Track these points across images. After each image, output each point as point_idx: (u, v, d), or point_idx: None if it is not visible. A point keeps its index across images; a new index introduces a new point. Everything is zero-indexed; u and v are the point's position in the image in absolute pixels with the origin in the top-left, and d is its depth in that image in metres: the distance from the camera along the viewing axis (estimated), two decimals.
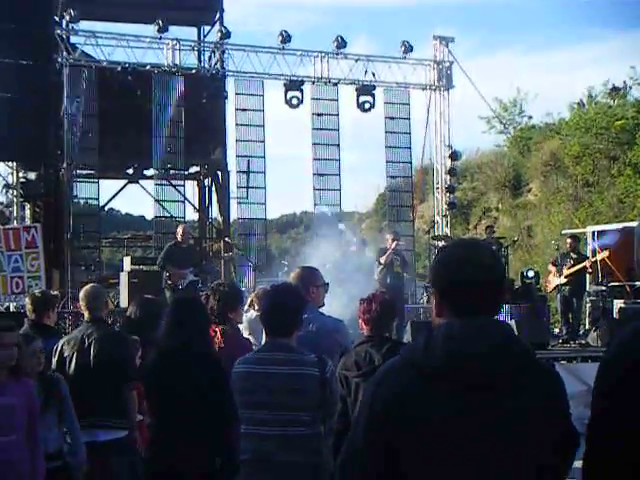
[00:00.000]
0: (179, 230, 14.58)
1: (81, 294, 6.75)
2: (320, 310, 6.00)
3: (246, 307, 8.44)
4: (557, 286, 14.81)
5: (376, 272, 14.35)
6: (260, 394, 4.66)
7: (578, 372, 11.27)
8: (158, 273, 14.36)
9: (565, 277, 14.77)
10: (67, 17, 17.41)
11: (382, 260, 14.38)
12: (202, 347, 5.41)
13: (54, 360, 6.33)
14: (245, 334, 7.69)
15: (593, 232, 17.53)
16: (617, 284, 16.00)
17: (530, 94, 31.36)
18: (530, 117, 31.55)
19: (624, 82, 27.39)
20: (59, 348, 6.38)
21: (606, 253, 15.27)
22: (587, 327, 15.63)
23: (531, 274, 16.14)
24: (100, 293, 6.81)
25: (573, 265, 14.81)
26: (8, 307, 11.21)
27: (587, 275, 15.46)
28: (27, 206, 15.46)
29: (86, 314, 6.56)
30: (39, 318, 6.84)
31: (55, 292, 10.44)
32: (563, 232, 17.68)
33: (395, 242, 14.58)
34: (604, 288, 15.72)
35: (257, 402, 4.67)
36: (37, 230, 11.96)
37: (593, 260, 15.23)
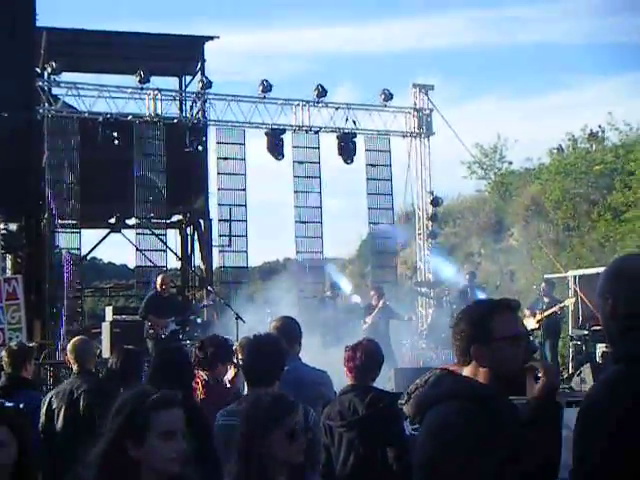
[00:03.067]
0: (158, 280, 14.53)
1: (69, 347, 6.72)
2: (302, 360, 6.00)
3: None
4: (531, 330, 14.92)
5: (362, 328, 14.41)
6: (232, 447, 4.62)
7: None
8: (140, 323, 14.29)
9: (537, 322, 14.93)
10: (49, 69, 17.53)
11: (368, 320, 14.43)
12: (188, 406, 5.36)
13: (42, 412, 6.28)
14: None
15: (575, 276, 17.61)
16: (599, 328, 16.02)
17: (510, 140, 31.61)
18: (510, 162, 31.78)
19: (599, 126, 27.71)
20: (47, 400, 6.34)
21: (572, 300, 15.59)
22: (570, 371, 15.64)
23: None
24: (89, 345, 6.78)
25: (544, 310, 15.02)
26: None
27: (561, 320, 15.68)
28: (8, 257, 15.41)
29: (74, 366, 6.52)
30: (16, 371, 6.78)
31: (32, 344, 10.32)
32: (545, 277, 17.74)
33: (382, 301, 14.60)
34: (586, 332, 15.77)
35: (229, 456, 4.63)
36: (18, 281, 11.90)
37: (562, 305, 15.48)
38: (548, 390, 2.93)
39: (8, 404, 6.61)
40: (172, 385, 5.32)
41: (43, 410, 6.30)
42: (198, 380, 6.22)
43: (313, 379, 5.85)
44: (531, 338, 14.90)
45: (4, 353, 6.98)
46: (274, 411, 3.59)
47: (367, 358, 5.36)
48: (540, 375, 2.97)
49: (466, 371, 3.12)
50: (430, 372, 3.42)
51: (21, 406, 6.63)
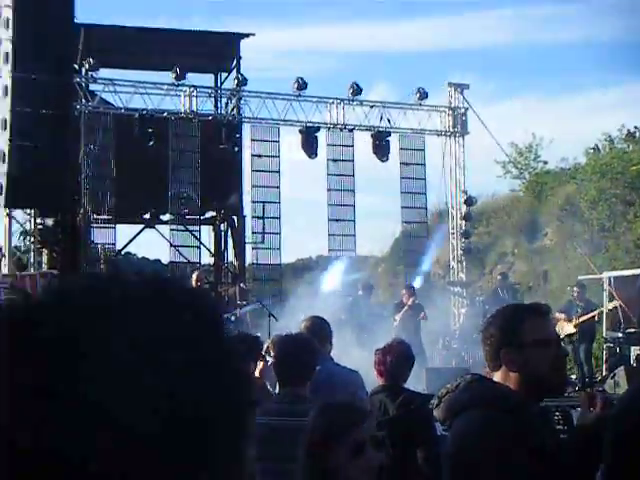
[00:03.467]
0: (193, 276, 14.63)
1: None
2: (333, 360, 6.00)
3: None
4: (568, 335, 14.81)
5: (393, 326, 14.38)
6: (273, 446, 4.64)
7: None
8: None
9: (574, 326, 14.82)
10: (86, 65, 17.69)
11: (397, 317, 14.40)
12: None
13: None
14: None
15: (609, 278, 17.45)
16: (634, 330, 15.90)
17: (545, 139, 31.38)
18: (545, 162, 31.56)
19: (635, 127, 27.43)
20: None
21: (613, 304, 15.47)
22: (604, 374, 15.52)
23: None
24: None
25: (582, 314, 14.90)
26: None
27: (596, 323, 15.59)
28: (44, 252, 15.57)
29: None
30: None
31: None
32: (578, 279, 17.60)
33: (412, 299, 14.56)
34: (621, 335, 15.65)
35: (271, 455, 4.66)
36: (55, 276, 12.03)
37: (601, 310, 15.41)
38: (600, 423, 2.89)
39: None
40: None
41: None
42: None
43: (344, 379, 5.84)
44: (562, 344, 14.81)
45: None
46: (339, 422, 3.23)
47: (398, 360, 5.35)
48: (595, 406, 2.93)
49: (497, 376, 3.11)
50: (462, 377, 3.41)
51: None
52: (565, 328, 14.78)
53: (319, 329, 6.05)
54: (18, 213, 13.93)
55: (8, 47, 12.23)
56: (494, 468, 2.85)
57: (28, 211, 13.90)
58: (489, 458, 2.86)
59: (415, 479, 5.21)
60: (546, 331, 3.14)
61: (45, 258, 15.68)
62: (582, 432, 2.95)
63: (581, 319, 14.96)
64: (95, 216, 18.27)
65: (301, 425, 4.63)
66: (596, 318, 15.34)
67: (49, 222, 13.77)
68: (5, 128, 12.25)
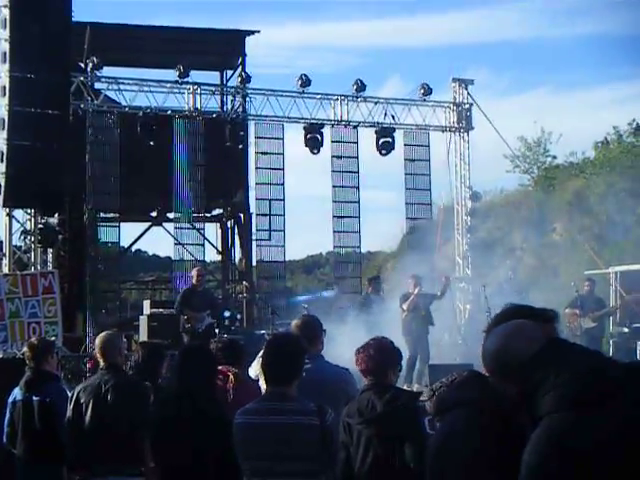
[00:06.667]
0: (194, 273, 14.65)
1: (96, 341, 6.80)
2: (325, 358, 6.00)
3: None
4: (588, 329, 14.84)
5: (401, 318, 14.34)
6: (260, 445, 4.65)
7: None
8: (177, 316, 14.42)
9: (593, 321, 14.80)
10: (90, 64, 17.73)
11: (405, 307, 14.37)
12: (205, 401, 5.41)
13: (70, 407, 6.36)
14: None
15: (616, 272, 17.39)
16: None
17: (554, 134, 31.28)
18: (554, 157, 31.47)
19: None
20: (75, 395, 6.40)
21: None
22: None
23: None
24: (114, 340, 6.83)
25: (597, 309, 14.89)
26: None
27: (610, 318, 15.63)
28: (50, 251, 15.66)
29: (101, 361, 6.60)
30: (38, 365, 6.90)
31: (52, 338, 10.42)
32: (586, 272, 17.55)
33: (417, 287, 14.53)
34: (627, 330, 15.61)
35: (257, 453, 4.67)
36: (54, 276, 12.08)
37: (615, 306, 15.43)
38: None
39: (34, 398, 6.74)
40: (193, 384, 5.41)
41: (71, 406, 6.37)
42: (229, 374, 6.28)
43: (335, 377, 5.84)
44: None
45: (26, 348, 7.11)
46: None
47: (381, 357, 5.29)
48: None
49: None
50: (457, 372, 3.39)
51: (47, 399, 6.76)
52: (585, 323, 14.81)
53: (310, 328, 6.05)
54: (18, 212, 14.01)
55: (5, 47, 12.28)
56: (471, 472, 2.82)
57: (28, 210, 13.97)
58: (467, 461, 2.84)
59: (402, 475, 5.21)
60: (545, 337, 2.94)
61: (50, 257, 15.75)
62: None
63: (600, 313, 15.02)
64: (101, 214, 18.34)
65: (288, 423, 4.65)
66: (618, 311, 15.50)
67: (52, 221, 13.83)
68: (3, 128, 12.31)
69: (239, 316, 17.12)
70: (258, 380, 7.21)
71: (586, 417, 2.29)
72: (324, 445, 4.69)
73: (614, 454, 2.23)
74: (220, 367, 6.16)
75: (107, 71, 18.87)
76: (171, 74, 18.79)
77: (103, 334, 6.86)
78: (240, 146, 19.84)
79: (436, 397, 3.30)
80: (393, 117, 19.89)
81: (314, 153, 19.04)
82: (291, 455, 4.60)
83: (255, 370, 7.82)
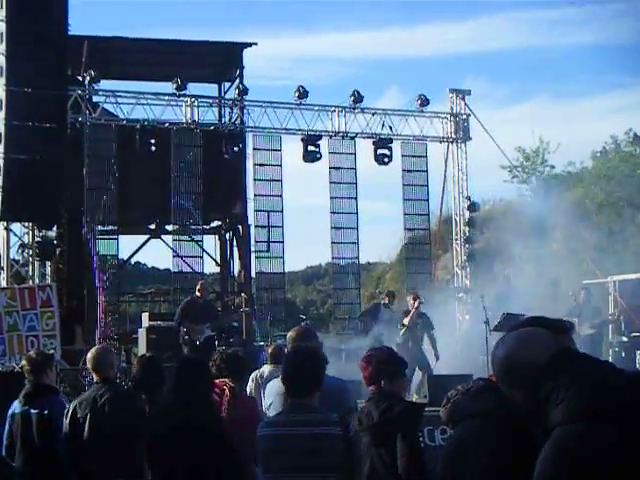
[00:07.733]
0: (198, 286, 14.69)
1: (88, 356, 6.80)
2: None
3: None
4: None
5: (399, 334, 14.36)
6: (283, 456, 4.67)
7: None
8: (175, 329, 14.41)
9: (592, 329, 14.81)
10: (88, 77, 17.77)
11: (405, 322, 14.40)
12: (201, 414, 5.42)
13: (66, 422, 6.36)
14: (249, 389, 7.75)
15: (614, 282, 17.40)
16: (639, 334, 15.86)
17: (552, 143, 31.34)
18: (552, 167, 31.52)
19: None
20: (71, 410, 6.40)
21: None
22: None
23: None
24: (107, 354, 6.83)
25: (594, 317, 14.90)
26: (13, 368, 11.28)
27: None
28: (48, 264, 15.67)
29: (95, 376, 6.59)
30: (37, 378, 6.89)
31: (51, 351, 10.39)
32: (584, 282, 17.55)
33: (417, 302, 14.56)
34: (626, 339, 15.60)
35: (280, 464, 4.68)
36: (52, 289, 12.08)
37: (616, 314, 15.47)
38: None
39: (33, 411, 6.73)
40: (190, 397, 5.41)
41: (67, 420, 6.37)
42: (225, 387, 6.27)
43: (331, 389, 5.85)
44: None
45: (24, 362, 7.10)
46: None
47: (379, 367, 5.31)
48: None
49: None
50: (474, 381, 3.39)
51: (45, 412, 6.75)
52: (583, 331, 14.83)
53: (305, 338, 6.06)
54: (16, 226, 14.01)
55: (2, 60, 12.30)
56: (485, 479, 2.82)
57: (26, 224, 13.97)
58: (482, 469, 2.84)
59: None
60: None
61: (49, 270, 15.75)
62: None
63: (598, 321, 15.06)
64: (99, 227, 18.34)
65: (311, 434, 4.66)
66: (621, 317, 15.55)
67: (50, 234, 13.84)
68: (0, 141, 12.32)
69: (236, 324, 17.09)
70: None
71: (596, 429, 2.29)
72: (347, 455, 4.73)
73: (624, 467, 2.23)
74: (217, 381, 6.16)
75: (105, 84, 18.93)
76: (168, 87, 18.86)
77: (94, 348, 6.90)
78: (238, 158, 19.86)
79: (451, 405, 3.30)
80: (391, 128, 19.95)
81: (312, 163, 19.09)
82: (314, 466, 4.63)
83: (250, 388, 7.85)
